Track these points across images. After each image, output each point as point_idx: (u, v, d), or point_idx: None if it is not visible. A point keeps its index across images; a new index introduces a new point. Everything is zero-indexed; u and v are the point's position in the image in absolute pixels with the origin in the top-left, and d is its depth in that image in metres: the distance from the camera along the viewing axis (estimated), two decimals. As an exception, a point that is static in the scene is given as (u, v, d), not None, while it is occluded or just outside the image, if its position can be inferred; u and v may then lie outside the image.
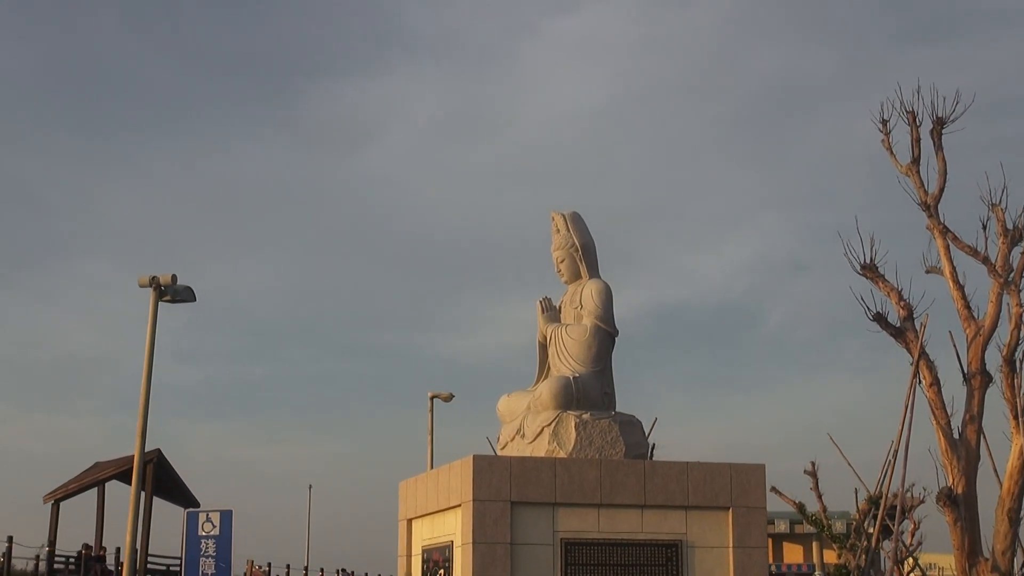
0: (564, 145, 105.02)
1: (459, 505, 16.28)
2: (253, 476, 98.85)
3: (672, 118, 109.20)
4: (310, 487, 59.49)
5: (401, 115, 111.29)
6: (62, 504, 39.24)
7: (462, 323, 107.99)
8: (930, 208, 24.56)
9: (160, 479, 39.09)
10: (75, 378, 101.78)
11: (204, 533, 25.07)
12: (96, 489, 39.76)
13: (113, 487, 40.66)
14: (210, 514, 25.49)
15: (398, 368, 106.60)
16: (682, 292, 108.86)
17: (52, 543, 37.56)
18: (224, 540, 24.99)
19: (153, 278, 19.35)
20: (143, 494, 35.54)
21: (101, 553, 39.28)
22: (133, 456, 39.64)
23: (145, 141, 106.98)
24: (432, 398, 35.64)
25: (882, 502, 25.02)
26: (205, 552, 25.04)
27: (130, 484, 40.61)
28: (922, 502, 31.23)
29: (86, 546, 38.87)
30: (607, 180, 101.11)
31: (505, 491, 15.83)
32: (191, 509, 27.59)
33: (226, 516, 25.10)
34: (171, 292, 19.36)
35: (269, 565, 51.36)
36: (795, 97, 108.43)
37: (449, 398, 35.43)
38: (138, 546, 37.78)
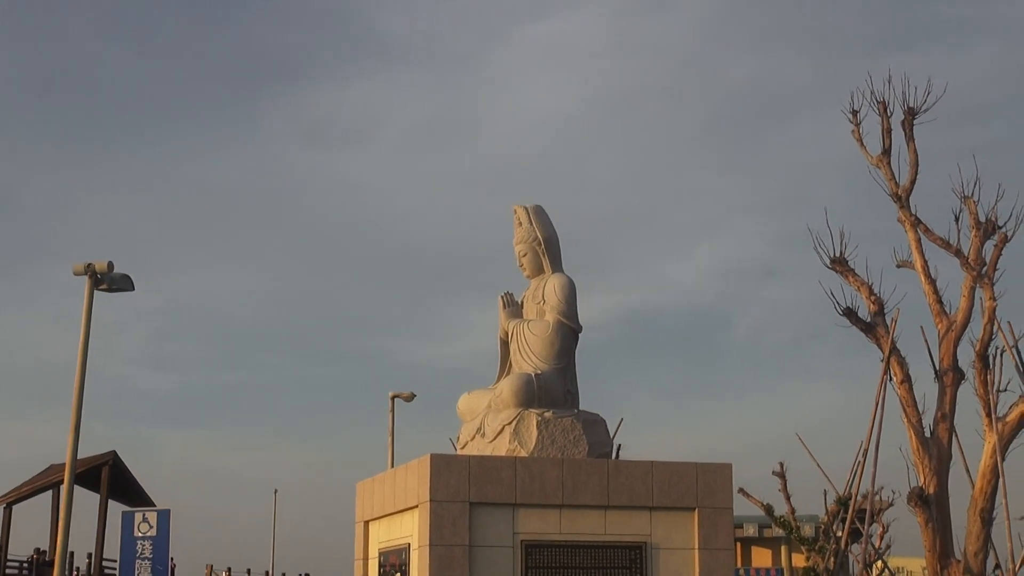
0: (537, 151, 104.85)
1: (416, 506, 15.77)
2: (226, 482, 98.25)
3: (645, 124, 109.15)
4: (275, 492, 59.08)
5: (375, 121, 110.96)
6: (16, 508, 38.41)
7: (437, 329, 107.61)
8: (901, 199, 24.21)
9: (116, 481, 38.33)
10: (47, 384, 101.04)
11: (140, 534, 23.98)
12: (51, 492, 38.82)
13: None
14: (147, 514, 24.44)
15: (373, 374, 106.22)
16: (654, 298, 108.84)
17: (3, 547, 36.67)
18: (161, 541, 23.93)
19: (88, 265, 18.55)
20: (71, 495, 34.77)
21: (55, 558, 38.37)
22: (87, 459, 39.20)
23: (120, 147, 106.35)
24: (393, 398, 35.20)
25: (851, 503, 24.64)
26: (141, 554, 23.93)
27: (85, 487, 40.06)
28: (891, 505, 31.01)
29: (38, 550, 37.99)
30: (580, 186, 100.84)
31: (463, 491, 15.36)
32: (127, 509, 26.64)
33: (163, 516, 24.08)
34: (107, 280, 18.55)
35: (229, 570, 50.66)
36: (769, 103, 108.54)
37: (410, 398, 35.09)
38: (92, 550, 37.07)
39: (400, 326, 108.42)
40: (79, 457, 39.09)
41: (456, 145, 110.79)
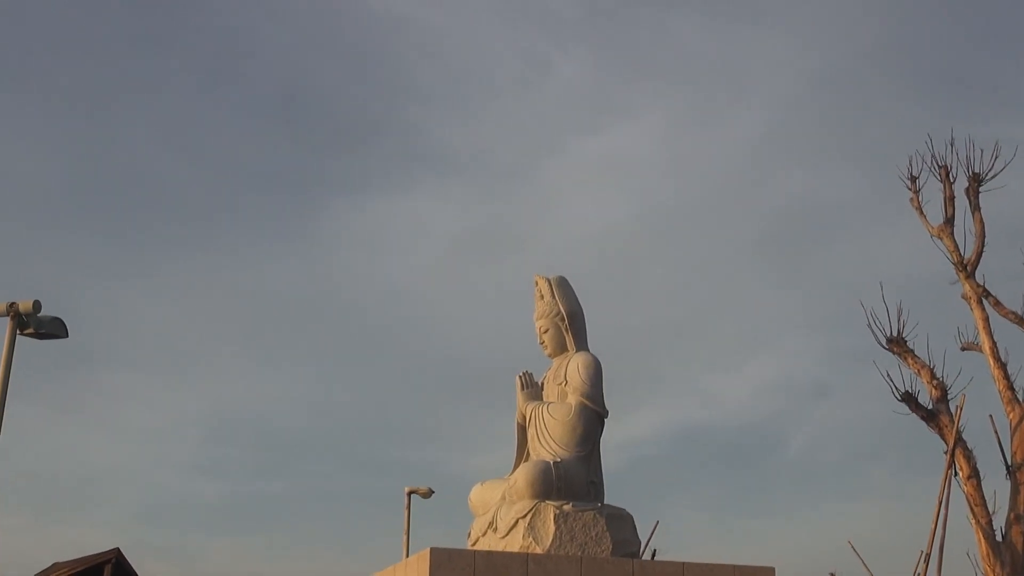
0: (586, 264, 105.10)
1: (415, 608, 14.06)
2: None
3: (696, 238, 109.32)
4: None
5: (424, 231, 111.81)
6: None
7: (480, 440, 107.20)
8: (967, 269, 22.43)
9: (119, 583, 36.24)
10: (93, 489, 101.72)
11: None
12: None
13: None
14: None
15: (416, 484, 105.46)
16: (703, 414, 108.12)
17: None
18: None
19: (11, 305, 16.72)
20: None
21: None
22: (90, 557, 37.26)
23: (170, 253, 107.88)
24: (409, 493, 34.46)
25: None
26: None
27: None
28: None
29: (31, 656, 35.96)
30: (629, 299, 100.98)
31: (467, 592, 13.59)
32: None
33: None
34: (34, 323, 16.66)
35: None
36: (822, 218, 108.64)
37: (428, 494, 34.30)
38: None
39: (448, 438, 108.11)
40: (80, 556, 37.51)
41: (506, 257, 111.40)
